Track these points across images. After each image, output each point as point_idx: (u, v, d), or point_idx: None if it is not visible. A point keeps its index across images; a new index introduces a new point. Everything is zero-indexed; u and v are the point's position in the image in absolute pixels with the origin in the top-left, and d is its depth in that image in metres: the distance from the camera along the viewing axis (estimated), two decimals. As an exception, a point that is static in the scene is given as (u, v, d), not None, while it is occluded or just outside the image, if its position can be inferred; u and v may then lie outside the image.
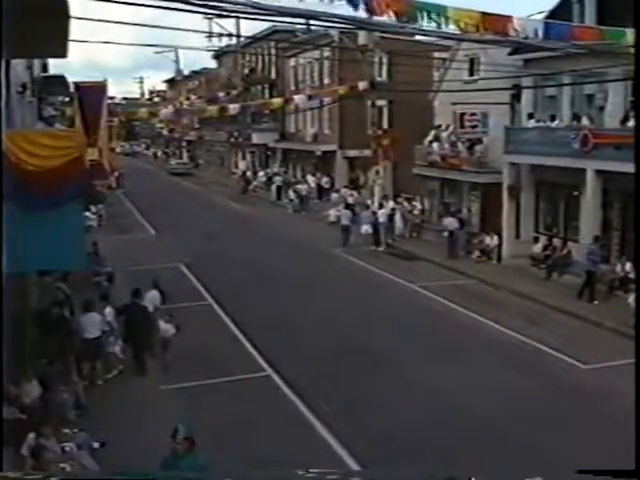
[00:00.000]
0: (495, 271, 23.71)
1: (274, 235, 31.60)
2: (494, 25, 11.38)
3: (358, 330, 17.57)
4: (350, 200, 33.60)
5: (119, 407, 12.83)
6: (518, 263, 23.69)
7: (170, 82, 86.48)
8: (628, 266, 19.88)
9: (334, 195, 38.01)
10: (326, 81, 42.08)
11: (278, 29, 44.70)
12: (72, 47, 11.02)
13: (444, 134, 30.23)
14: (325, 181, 42.73)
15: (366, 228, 28.68)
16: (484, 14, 11.31)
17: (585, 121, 21.99)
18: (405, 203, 31.15)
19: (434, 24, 10.42)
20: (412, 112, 32.72)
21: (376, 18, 10.52)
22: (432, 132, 31.05)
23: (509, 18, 11.65)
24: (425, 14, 10.26)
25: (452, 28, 10.80)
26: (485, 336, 17.28)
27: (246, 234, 31.96)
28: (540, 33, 11.91)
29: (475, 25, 11.09)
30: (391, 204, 30.20)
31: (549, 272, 22.13)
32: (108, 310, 15.13)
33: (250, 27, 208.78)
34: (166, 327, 15.05)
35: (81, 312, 14.65)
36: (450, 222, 26.59)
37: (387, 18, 10.20)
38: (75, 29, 10.23)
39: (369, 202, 31.78)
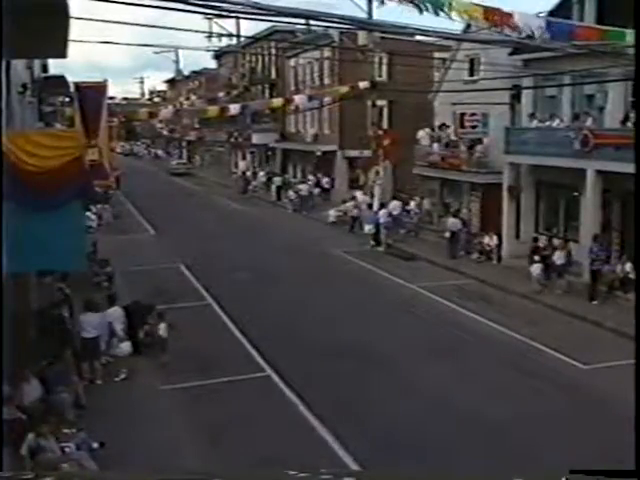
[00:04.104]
0: (495, 271, 23.72)
1: (274, 235, 31.61)
2: (496, 19, 11.39)
3: (358, 330, 17.56)
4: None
5: (119, 407, 12.84)
6: (518, 263, 23.67)
7: (170, 82, 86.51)
8: (628, 266, 19.89)
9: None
10: (326, 81, 42.05)
11: (278, 29, 44.71)
12: (72, 47, 11.00)
13: (443, 134, 30.25)
14: (325, 181, 42.78)
15: (369, 227, 28.78)
16: (486, 9, 11.33)
17: (589, 122, 21.92)
18: (412, 203, 31.19)
19: (439, 13, 10.39)
20: (412, 112, 32.73)
21: (376, 18, 10.57)
22: (419, 132, 31.05)
23: (510, 15, 11.66)
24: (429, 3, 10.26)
25: (454, 16, 10.77)
26: (485, 336, 17.28)
27: (246, 234, 31.96)
28: (542, 30, 11.91)
29: (477, 18, 11.12)
30: (394, 204, 30.26)
31: (548, 272, 22.10)
32: (114, 309, 15.17)
33: (250, 27, 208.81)
34: (159, 327, 15.25)
35: (81, 311, 14.71)
36: (453, 222, 26.58)
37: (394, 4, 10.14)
38: (75, 29, 10.22)
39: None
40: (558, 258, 21.45)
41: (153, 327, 15.60)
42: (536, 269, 21.50)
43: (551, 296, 20.33)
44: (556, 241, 23.12)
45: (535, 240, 24.14)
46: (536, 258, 21.82)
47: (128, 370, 14.57)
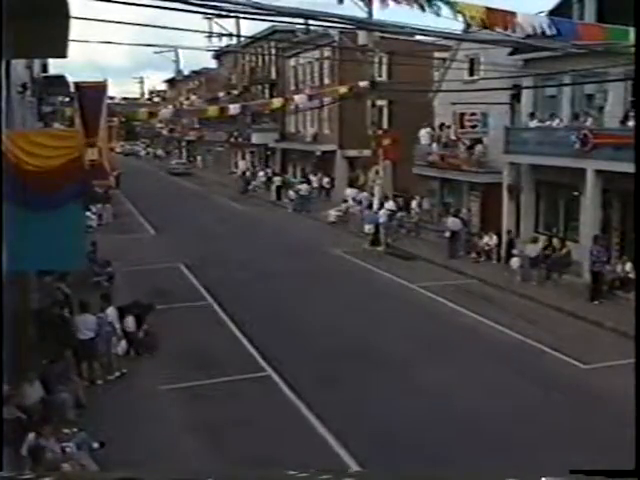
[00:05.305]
0: (495, 271, 23.71)
1: (274, 235, 31.61)
2: (498, 20, 11.37)
3: (358, 330, 17.55)
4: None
5: (119, 407, 12.84)
6: (518, 263, 23.67)
7: (170, 82, 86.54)
8: (628, 266, 19.90)
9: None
10: (326, 81, 42.07)
11: (278, 29, 44.72)
12: (72, 47, 11.02)
13: (443, 134, 30.24)
14: (325, 181, 42.80)
15: (369, 227, 28.80)
16: (488, 9, 11.33)
17: (589, 121, 21.90)
18: (413, 202, 31.14)
19: (442, 9, 10.38)
20: (412, 112, 32.71)
21: (376, 18, 10.57)
22: (421, 130, 31.03)
23: (513, 14, 11.64)
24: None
25: (458, 17, 10.76)
26: (485, 336, 17.27)
27: (246, 234, 31.95)
28: (545, 30, 11.89)
29: (480, 19, 11.11)
30: (389, 204, 30.24)
31: (549, 272, 22.13)
32: (110, 310, 15.18)
33: (250, 27, 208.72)
34: (127, 320, 15.70)
35: (77, 313, 14.72)
36: (454, 222, 26.56)
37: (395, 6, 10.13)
38: (75, 29, 10.22)
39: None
40: (531, 251, 22.43)
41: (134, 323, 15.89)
42: (515, 262, 22.80)
43: (552, 296, 20.32)
44: (556, 241, 23.15)
45: (509, 233, 24.33)
46: (514, 252, 23.22)
47: (128, 370, 14.59)
